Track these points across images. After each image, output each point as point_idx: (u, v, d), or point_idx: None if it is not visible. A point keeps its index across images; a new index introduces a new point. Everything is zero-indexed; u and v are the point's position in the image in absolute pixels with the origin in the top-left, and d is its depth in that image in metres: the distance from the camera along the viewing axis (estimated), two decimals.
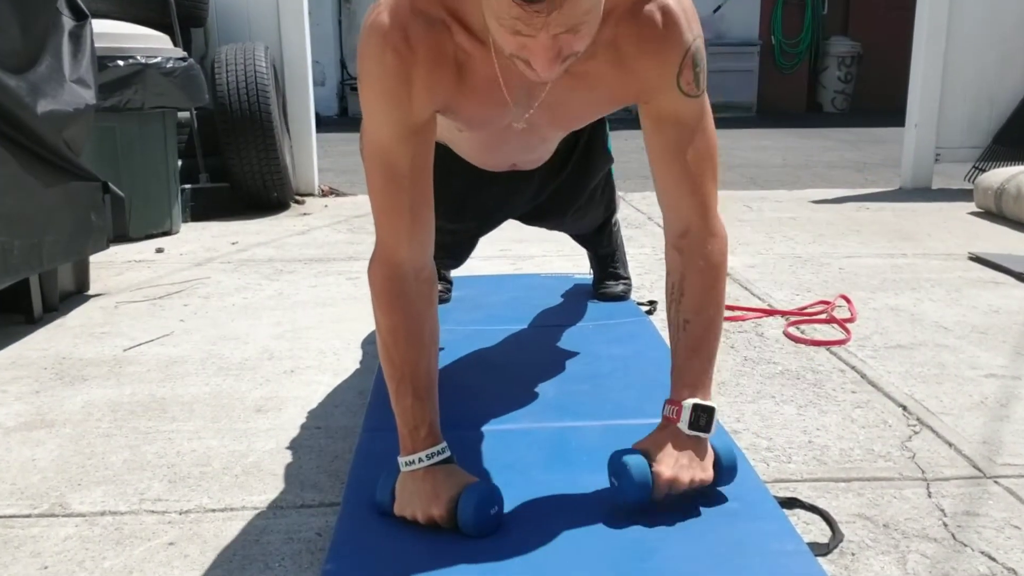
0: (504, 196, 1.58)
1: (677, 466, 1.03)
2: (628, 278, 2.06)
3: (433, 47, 1.00)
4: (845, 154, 5.87)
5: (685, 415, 1.06)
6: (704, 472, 1.05)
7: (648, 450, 1.05)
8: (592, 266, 2.07)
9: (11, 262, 1.94)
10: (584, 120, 1.25)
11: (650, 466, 1.03)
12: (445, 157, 1.35)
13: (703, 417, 1.06)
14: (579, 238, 2.01)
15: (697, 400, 1.07)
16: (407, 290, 1.09)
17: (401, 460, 1.07)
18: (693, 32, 1.02)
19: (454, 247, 1.68)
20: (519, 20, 0.84)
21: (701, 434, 1.06)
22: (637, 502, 1.03)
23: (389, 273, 1.08)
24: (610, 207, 1.86)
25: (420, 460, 1.06)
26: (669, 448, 1.05)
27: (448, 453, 1.07)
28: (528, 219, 1.76)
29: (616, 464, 1.05)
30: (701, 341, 1.10)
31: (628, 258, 2.13)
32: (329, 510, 1.24)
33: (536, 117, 1.11)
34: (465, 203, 1.54)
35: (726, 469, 1.08)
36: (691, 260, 1.10)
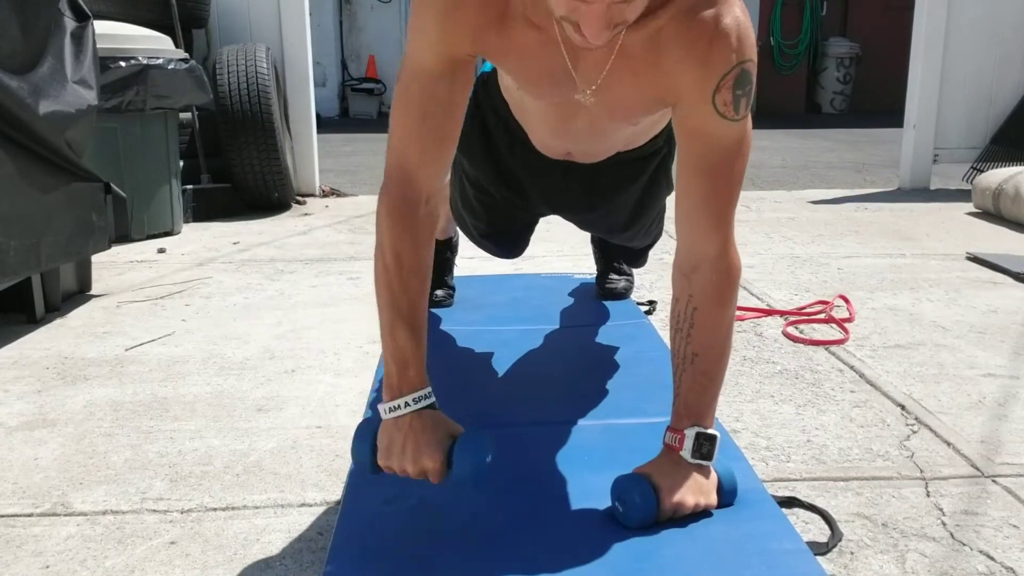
0: (555, 186, 1.50)
1: (681, 492, 1.03)
2: (631, 274, 2.06)
3: (495, 7, 0.99)
4: (844, 155, 5.88)
5: (688, 444, 1.05)
6: (707, 498, 1.05)
7: (651, 475, 1.05)
8: (596, 259, 2.07)
9: (7, 263, 1.94)
10: (634, 112, 1.18)
11: (654, 491, 1.03)
12: (507, 126, 1.40)
13: (706, 445, 1.05)
14: (602, 239, 1.96)
15: (700, 429, 1.06)
16: (418, 217, 1.07)
17: (383, 407, 1.02)
18: (743, 55, 0.98)
19: (494, 228, 1.61)
20: None
21: (704, 462, 1.06)
22: (641, 527, 1.03)
23: (405, 195, 1.06)
24: (656, 236, 1.78)
25: (406, 404, 1.01)
26: (672, 474, 1.04)
27: (433, 398, 1.03)
28: (578, 219, 1.68)
29: (620, 490, 1.04)
30: (708, 376, 1.08)
31: None
32: (330, 509, 1.24)
33: (596, 95, 1.08)
34: (514, 176, 1.50)
35: (727, 492, 1.08)
36: (704, 293, 1.07)
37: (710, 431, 1.07)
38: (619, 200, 1.53)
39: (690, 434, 1.05)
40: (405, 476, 1.01)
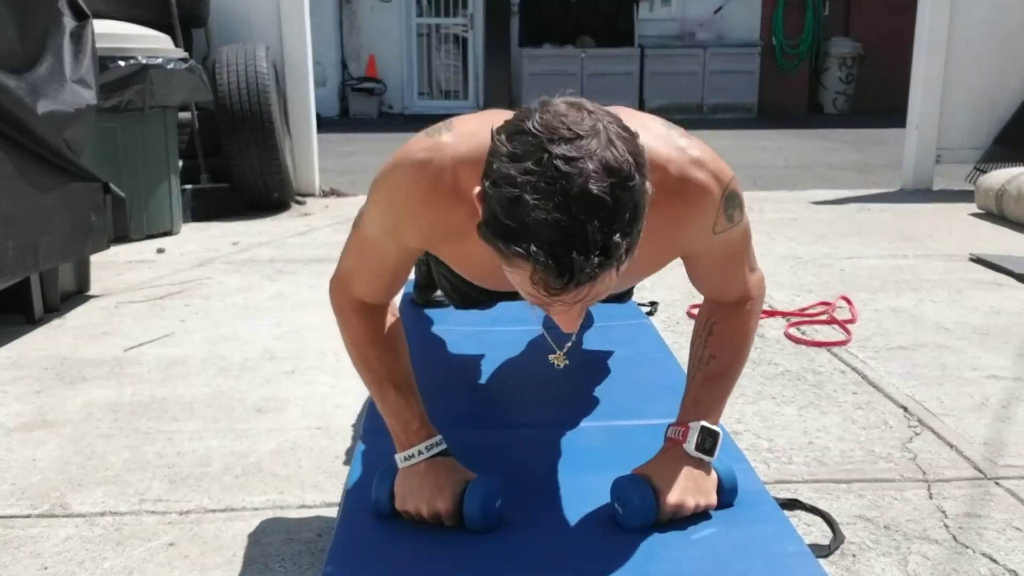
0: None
1: (681, 492, 1.03)
2: (627, 297, 2.03)
3: (447, 222, 0.96)
4: (846, 155, 5.87)
5: (692, 436, 1.06)
6: (708, 497, 1.05)
7: (651, 476, 1.05)
8: None
9: (6, 263, 1.94)
10: (629, 284, 1.20)
11: (654, 492, 1.03)
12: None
13: (708, 440, 1.06)
14: None
15: (704, 423, 1.06)
16: (374, 311, 1.12)
17: (399, 456, 1.07)
18: (721, 184, 0.98)
19: (471, 304, 1.63)
20: (541, 300, 0.81)
21: (705, 457, 1.06)
22: (641, 528, 1.02)
23: (356, 306, 1.11)
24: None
25: (420, 452, 1.05)
26: (673, 474, 1.04)
27: (445, 445, 1.07)
28: None
29: (619, 491, 1.04)
30: (720, 377, 1.10)
31: None
32: (329, 511, 1.24)
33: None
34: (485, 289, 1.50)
35: (727, 492, 1.07)
36: (727, 314, 1.12)
37: (714, 428, 1.07)
38: None
39: (694, 427, 1.06)
40: (421, 519, 1.04)
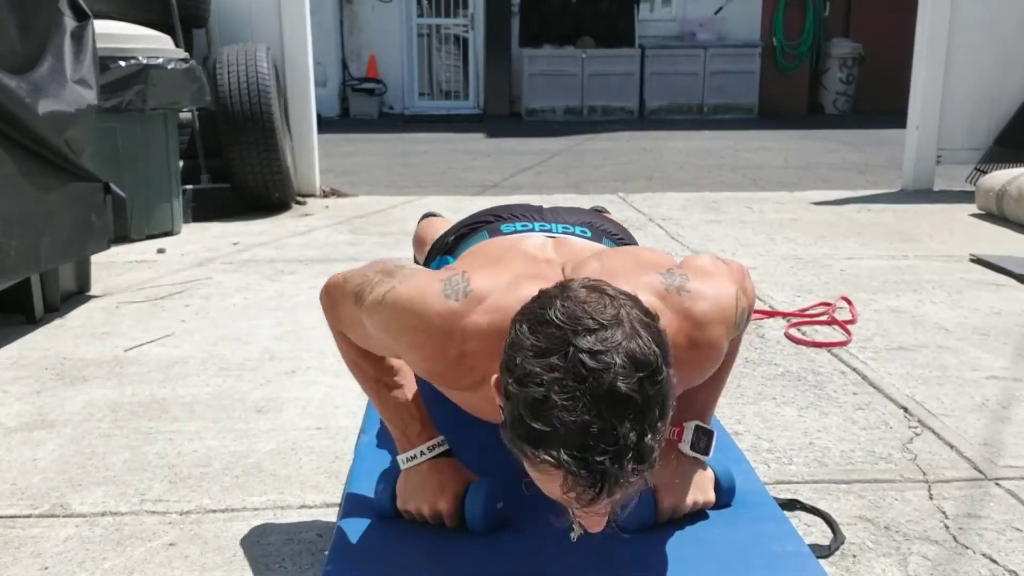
0: None
1: (678, 491, 1.04)
2: None
3: (448, 381, 0.95)
4: (846, 156, 5.87)
5: (687, 435, 1.06)
6: (705, 495, 1.06)
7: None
8: None
9: (7, 262, 1.94)
10: None
11: (651, 492, 1.03)
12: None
13: (703, 439, 1.07)
14: None
15: (698, 423, 1.07)
16: None
17: (401, 457, 1.07)
18: (729, 322, 0.96)
19: None
20: (570, 505, 0.77)
21: (701, 456, 1.06)
22: (640, 530, 1.02)
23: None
24: None
25: (422, 453, 1.06)
26: (669, 473, 1.05)
27: (447, 446, 1.07)
28: None
29: None
30: (712, 376, 1.08)
31: None
32: (330, 511, 1.24)
33: None
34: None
35: (725, 491, 1.08)
36: None
37: (708, 426, 1.07)
38: None
39: (689, 427, 1.06)
40: (422, 518, 1.04)
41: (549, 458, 0.72)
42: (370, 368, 1.09)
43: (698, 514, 1.06)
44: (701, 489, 1.05)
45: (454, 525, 1.03)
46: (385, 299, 0.96)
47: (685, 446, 1.06)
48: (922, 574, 1.08)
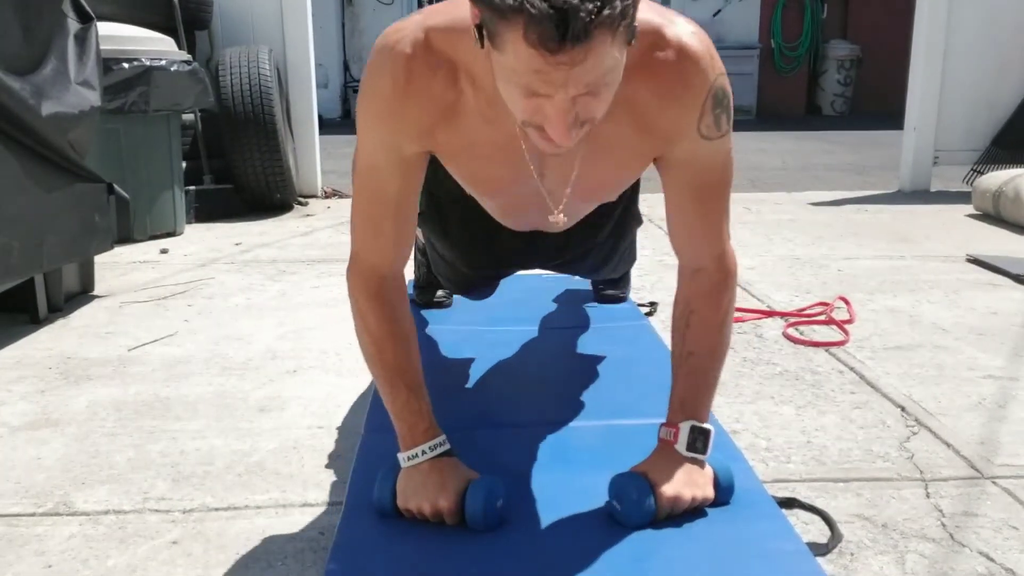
0: (525, 249, 1.46)
1: (677, 486, 1.04)
2: (625, 297, 2.02)
3: (433, 93, 0.95)
4: (844, 157, 5.88)
5: (683, 437, 1.06)
6: (703, 491, 1.06)
7: (647, 472, 1.06)
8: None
9: (11, 263, 1.95)
10: (615, 189, 1.17)
11: (650, 488, 1.04)
12: (466, 204, 1.28)
13: (700, 439, 1.07)
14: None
15: (694, 423, 1.07)
16: (391, 296, 1.10)
17: (402, 456, 1.08)
18: (714, 70, 0.95)
19: (471, 288, 1.63)
20: (538, 76, 0.76)
21: (698, 456, 1.07)
22: (640, 524, 1.03)
23: (372, 285, 1.09)
24: (632, 261, 1.79)
25: (424, 452, 1.06)
26: (668, 469, 1.06)
27: (448, 445, 1.08)
28: (551, 268, 1.66)
29: (616, 488, 1.05)
30: (703, 373, 1.10)
31: None
32: (332, 509, 1.25)
33: (569, 198, 1.07)
34: (482, 251, 1.47)
35: (724, 488, 1.09)
36: (701, 297, 1.09)
37: (704, 425, 1.08)
38: (588, 248, 1.51)
39: (684, 427, 1.07)
40: (423, 517, 1.05)
41: (513, 2, 0.72)
42: (390, 353, 1.08)
43: (697, 512, 1.07)
44: (700, 486, 1.06)
45: (455, 523, 1.04)
46: (359, 96, 1.01)
47: (681, 447, 1.07)
48: (919, 572, 1.09)
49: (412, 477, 1.06)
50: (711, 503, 1.08)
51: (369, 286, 1.09)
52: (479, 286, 1.63)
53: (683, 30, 0.94)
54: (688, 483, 1.05)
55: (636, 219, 1.56)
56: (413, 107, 0.97)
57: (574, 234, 1.38)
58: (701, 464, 1.08)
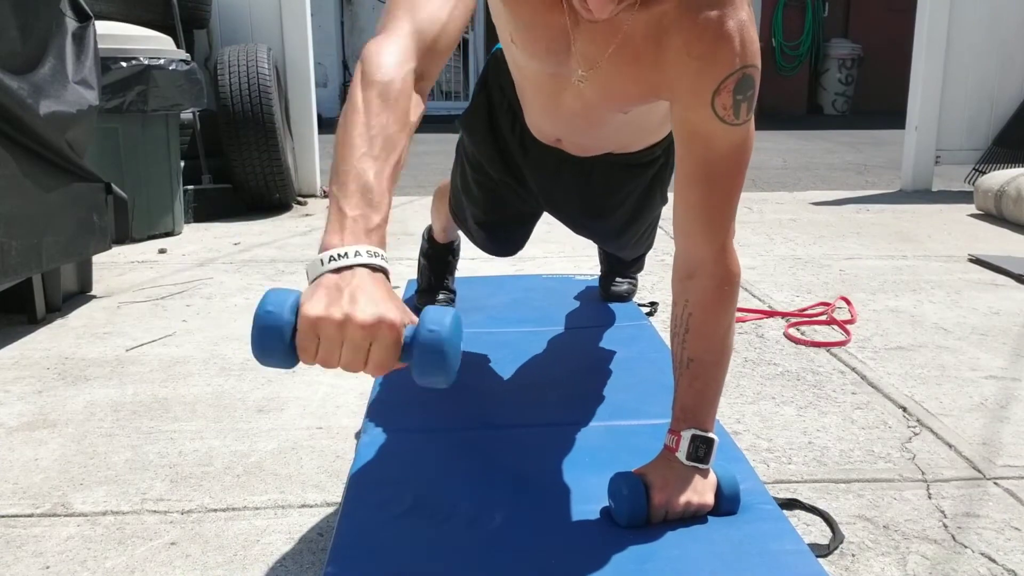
0: (549, 178, 1.50)
1: (671, 491, 1.03)
2: (635, 278, 2.05)
3: None
4: (845, 156, 5.88)
5: (684, 445, 1.05)
6: (701, 497, 1.04)
7: (646, 475, 1.05)
8: (600, 260, 2.06)
9: (9, 263, 1.94)
10: (627, 98, 1.12)
11: (644, 487, 1.03)
12: (512, 114, 1.41)
13: (702, 448, 1.05)
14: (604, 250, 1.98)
15: (696, 431, 1.05)
16: (392, 90, 0.88)
17: (324, 255, 0.72)
18: (746, 59, 0.96)
19: (496, 229, 1.64)
20: None
21: (700, 465, 1.06)
22: (632, 523, 1.03)
23: (373, 72, 0.88)
24: (648, 246, 1.79)
25: (356, 253, 0.72)
26: (666, 474, 1.04)
27: (391, 268, 0.76)
28: (571, 219, 1.63)
29: (611, 486, 1.05)
30: (704, 380, 1.07)
31: None
32: (330, 510, 1.24)
33: (591, 77, 1.06)
34: (513, 159, 1.52)
35: (728, 498, 1.07)
36: (700, 299, 1.05)
37: (708, 435, 1.06)
38: (611, 203, 1.51)
39: (686, 436, 1.05)
40: (335, 344, 0.69)
41: None
42: (374, 120, 0.82)
43: (696, 518, 1.06)
44: (697, 492, 1.05)
45: (390, 363, 0.71)
46: None
47: (682, 455, 1.05)
48: (921, 573, 1.08)
49: (329, 292, 0.70)
50: (713, 512, 1.06)
51: (373, 63, 0.89)
52: (500, 213, 1.61)
53: (739, 11, 0.97)
54: (685, 488, 1.04)
55: (662, 194, 1.57)
56: None
57: (598, 173, 1.46)
58: (704, 472, 1.06)
